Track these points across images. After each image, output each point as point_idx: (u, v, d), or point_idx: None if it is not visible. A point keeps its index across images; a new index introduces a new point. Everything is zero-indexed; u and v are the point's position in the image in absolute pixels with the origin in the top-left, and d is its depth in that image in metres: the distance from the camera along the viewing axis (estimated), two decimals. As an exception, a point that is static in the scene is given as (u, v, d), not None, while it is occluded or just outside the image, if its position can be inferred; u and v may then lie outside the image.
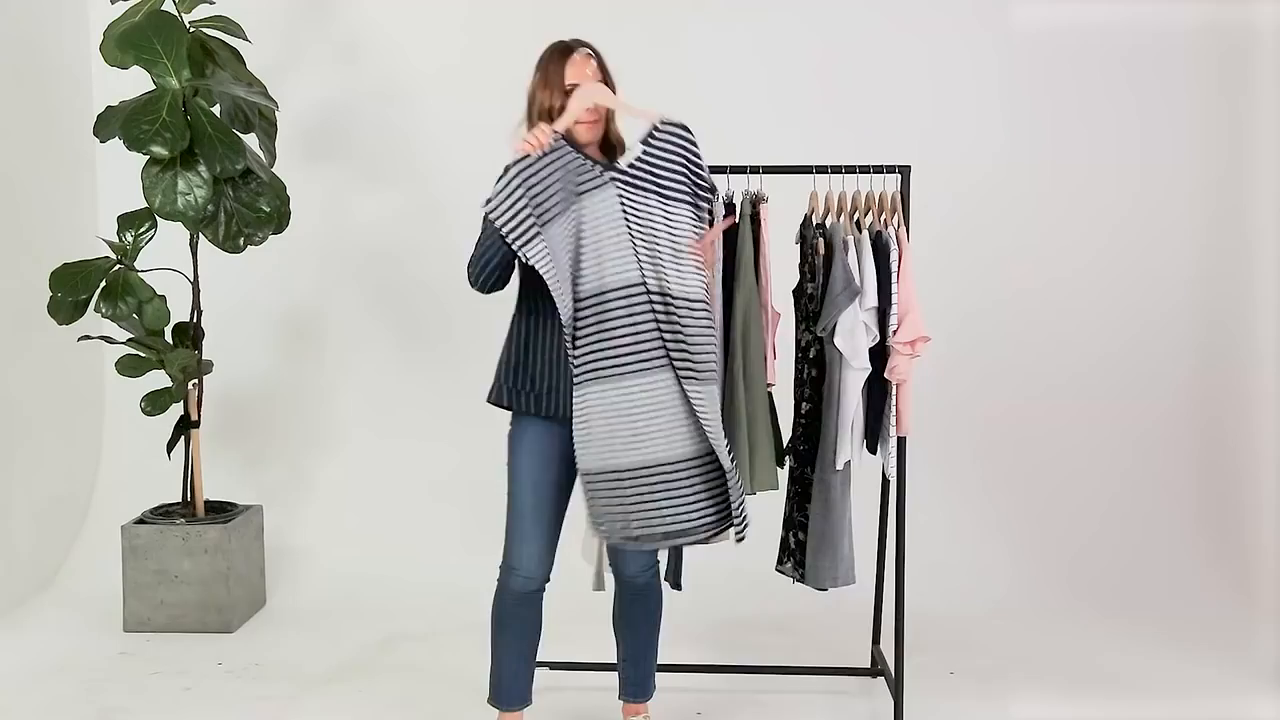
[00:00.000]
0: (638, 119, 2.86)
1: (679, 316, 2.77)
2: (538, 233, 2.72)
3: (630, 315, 2.76)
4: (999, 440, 4.79)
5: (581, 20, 4.72)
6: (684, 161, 2.83)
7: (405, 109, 4.85)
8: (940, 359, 4.14)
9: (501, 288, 2.89)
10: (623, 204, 2.79)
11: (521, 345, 2.90)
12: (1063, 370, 4.79)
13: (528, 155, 2.73)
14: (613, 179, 2.81)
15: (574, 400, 2.78)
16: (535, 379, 2.86)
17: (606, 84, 2.85)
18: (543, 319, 2.85)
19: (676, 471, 2.79)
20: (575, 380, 2.78)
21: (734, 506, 2.83)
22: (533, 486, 2.90)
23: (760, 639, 4.03)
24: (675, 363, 2.77)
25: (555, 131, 2.77)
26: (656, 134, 2.83)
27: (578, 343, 2.77)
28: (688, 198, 2.83)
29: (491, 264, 2.80)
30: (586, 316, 2.77)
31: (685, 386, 2.77)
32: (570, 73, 2.83)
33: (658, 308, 2.77)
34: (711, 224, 2.90)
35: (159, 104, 3.79)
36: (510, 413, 2.96)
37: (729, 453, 2.85)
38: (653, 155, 2.82)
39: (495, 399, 2.96)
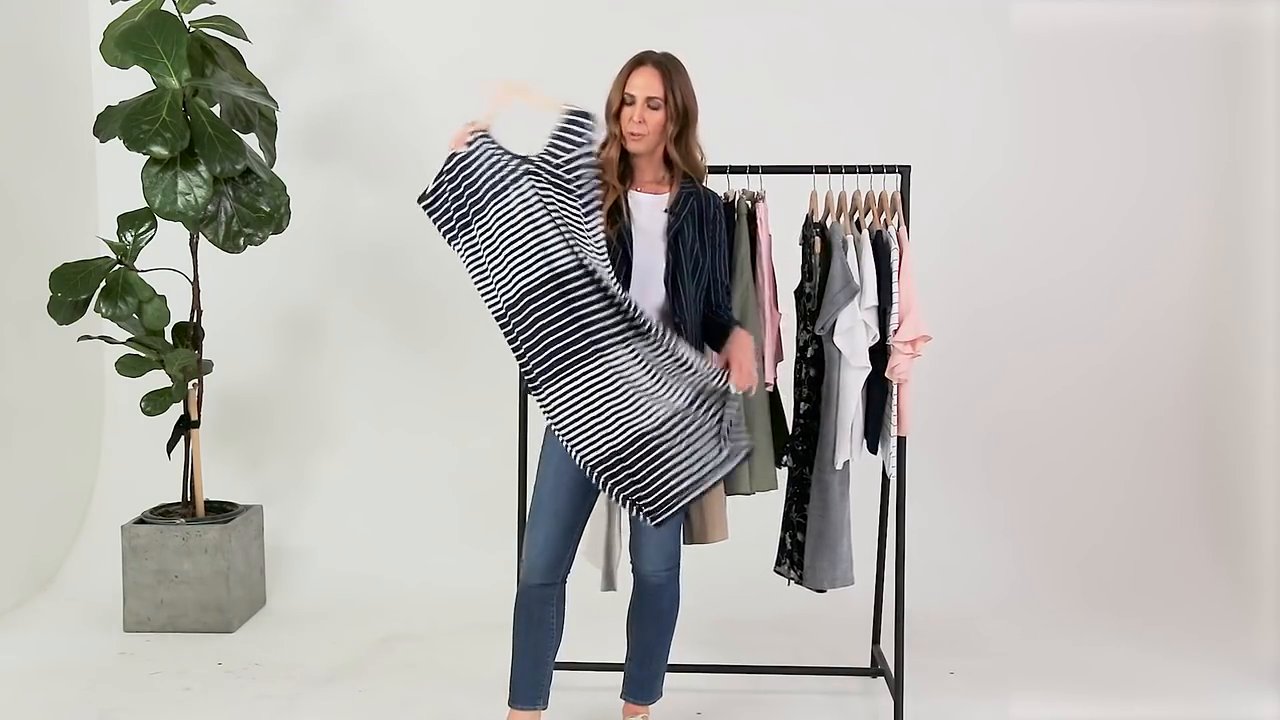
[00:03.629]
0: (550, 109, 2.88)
1: (609, 289, 2.77)
2: (460, 229, 2.83)
3: (549, 313, 2.75)
4: (999, 440, 4.79)
5: (581, 20, 4.76)
6: (576, 147, 2.80)
7: (405, 109, 4.85)
8: (941, 359, 4.14)
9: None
10: (539, 193, 2.79)
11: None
12: (1064, 371, 4.80)
13: (452, 154, 2.83)
14: (527, 170, 2.81)
15: (539, 403, 2.81)
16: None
17: (679, 96, 2.85)
18: None
19: (669, 432, 2.79)
20: (529, 382, 2.80)
21: (730, 437, 2.83)
22: (553, 481, 2.91)
23: (760, 639, 4.03)
24: (619, 333, 2.75)
25: (476, 128, 2.84)
26: (562, 122, 2.83)
27: (523, 339, 2.78)
28: (568, 185, 2.81)
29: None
30: (526, 311, 2.77)
31: (638, 348, 2.76)
32: (634, 81, 2.86)
33: (571, 293, 2.74)
34: (584, 202, 2.82)
35: (159, 104, 3.79)
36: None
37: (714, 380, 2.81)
38: (556, 144, 2.82)
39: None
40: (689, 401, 2.80)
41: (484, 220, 2.82)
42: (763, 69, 4.76)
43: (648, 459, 2.80)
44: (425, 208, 2.89)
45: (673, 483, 2.82)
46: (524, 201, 2.79)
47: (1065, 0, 4.68)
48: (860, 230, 3.28)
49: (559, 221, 2.77)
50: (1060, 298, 4.78)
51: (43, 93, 4.60)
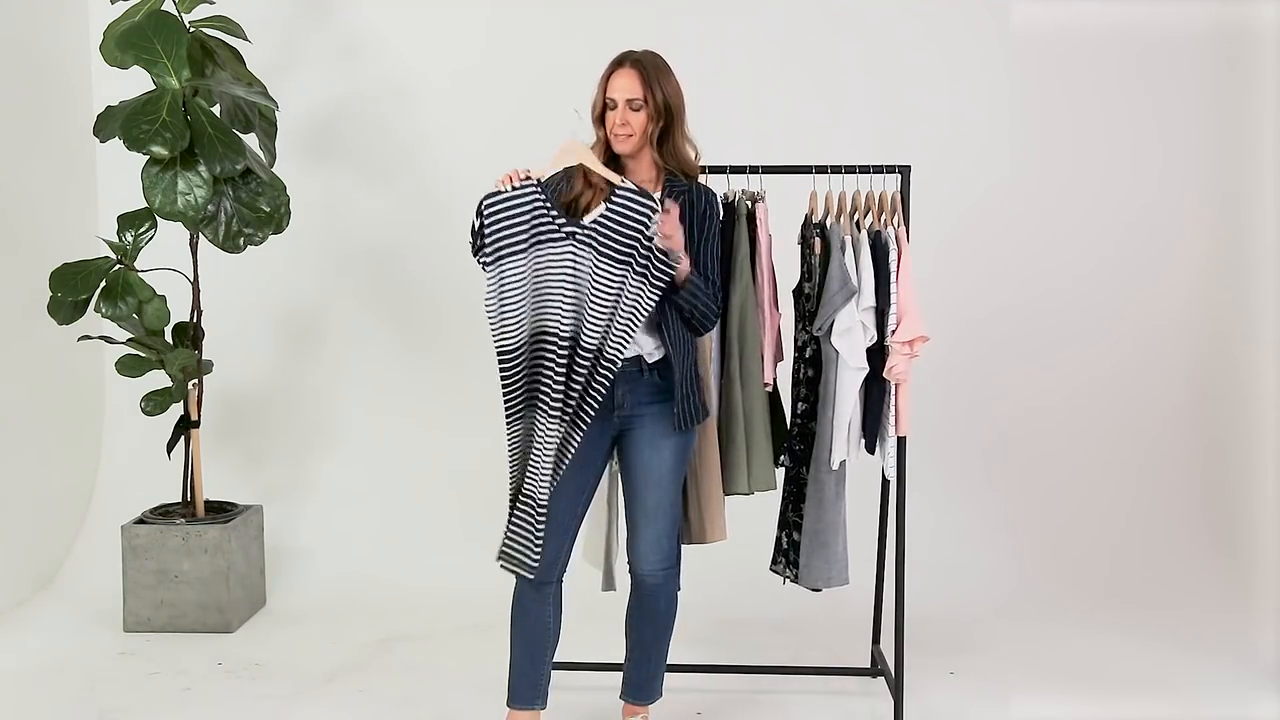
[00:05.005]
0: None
1: (580, 366, 2.82)
2: (493, 264, 2.84)
3: (546, 362, 2.84)
4: (999, 440, 4.79)
5: (580, 20, 4.76)
6: (638, 227, 2.80)
7: (405, 109, 4.85)
8: (941, 360, 4.15)
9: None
10: (574, 259, 2.83)
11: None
12: (1065, 372, 4.80)
13: (498, 190, 2.84)
14: (569, 234, 2.83)
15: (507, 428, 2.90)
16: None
17: (659, 94, 2.85)
18: None
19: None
20: (506, 414, 2.89)
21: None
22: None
23: (760, 639, 4.03)
24: (565, 408, 2.83)
25: (530, 176, 2.84)
26: (615, 196, 2.83)
27: (507, 380, 2.87)
28: (631, 261, 2.81)
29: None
30: (520, 357, 2.87)
31: (563, 428, 2.84)
32: (612, 86, 2.87)
33: (566, 355, 2.82)
34: (658, 282, 2.83)
35: (159, 104, 3.79)
36: None
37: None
38: (610, 217, 2.82)
39: None
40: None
41: (507, 264, 2.84)
42: (763, 69, 4.76)
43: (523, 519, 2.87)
44: (475, 250, 2.88)
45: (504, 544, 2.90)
46: (547, 264, 2.84)
47: (1066, 0, 4.68)
48: (859, 231, 3.28)
49: (566, 288, 2.82)
50: (1060, 298, 4.78)
51: (42, 93, 4.60)
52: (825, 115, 4.72)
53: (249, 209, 4.04)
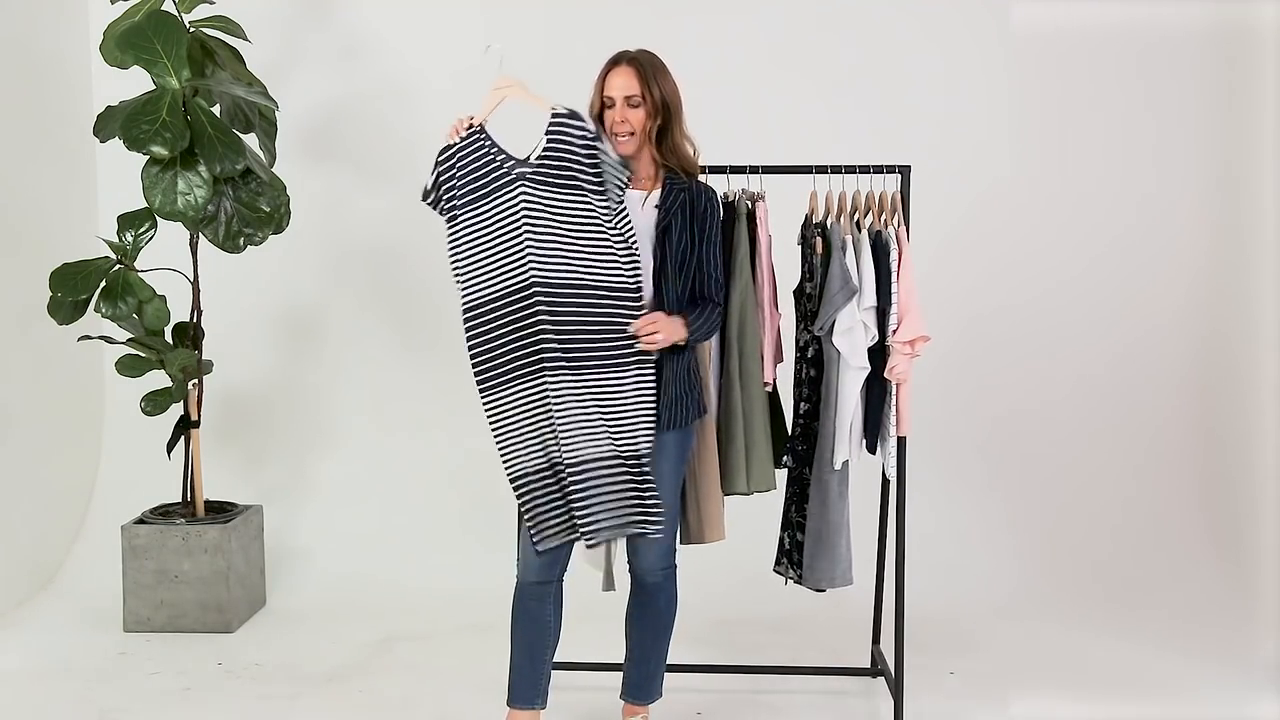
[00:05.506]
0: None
1: (580, 308, 2.80)
2: (452, 218, 2.87)
3: (517, 320, 2.81)
4: (1000, 440, 4.79)
5: (580, 20, 4.76)
6: (581, 148, 2.82)
7: (405, 109, 4.85)
8: (941, 360, 4.14)
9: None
10: (525, 202, 2.82)
11: None
12: (1065, 372, 4.80)
13: (449, 144, 2.88)
14: (519, 174, 2.84)
15: (482, 406, 2.87)
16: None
17: (657, 91, 2.86)
18: None
19: (587, 473, 2.83)
20: (477, 382, 2.86)
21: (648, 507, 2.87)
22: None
23: (760, 639, 4.03)
24: (568, 362, 2.80)
25: (473, 121, 2.88)
26: (551, 124, 2.85)
27: (479, 341, 2.84)
28: (596, 187, 2.83)
29: None
30: (495, 314, 2.83)
31: (584, 382, 2.81)
32: (609, 84, 2.88)
33: (550, 306, 2.79)
34: (618, 202, 2.85)
35: (159, 104, 3.78)
36: None
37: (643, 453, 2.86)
38: (553, 147, 2.84)
39: None
40: (604, 453, 2.84)
41: (462, 218, 2.87)
42: (763, 69, 4.76)
43: (558, 488, 2.84)
44: (431, 204, 2.93)
45: (584, 515, 2.84)
46: (502, 211, 2.83)
47: (1065, 0, 4.68)
48: (860, 230, 3.28)
49: (537, 232, 2.80)
50: (1061, 299, 4.78)
51: (42, 93, 4.60)
52: (825, 115, 4.72)
53: (249, 209, 4.04)
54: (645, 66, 2.88)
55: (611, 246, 2.82)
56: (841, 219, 3.30)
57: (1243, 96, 4.61)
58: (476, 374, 2.87)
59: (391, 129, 4.86)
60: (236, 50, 4.23)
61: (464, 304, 2.86)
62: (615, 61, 2.90)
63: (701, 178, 3.01)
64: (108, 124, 4.02)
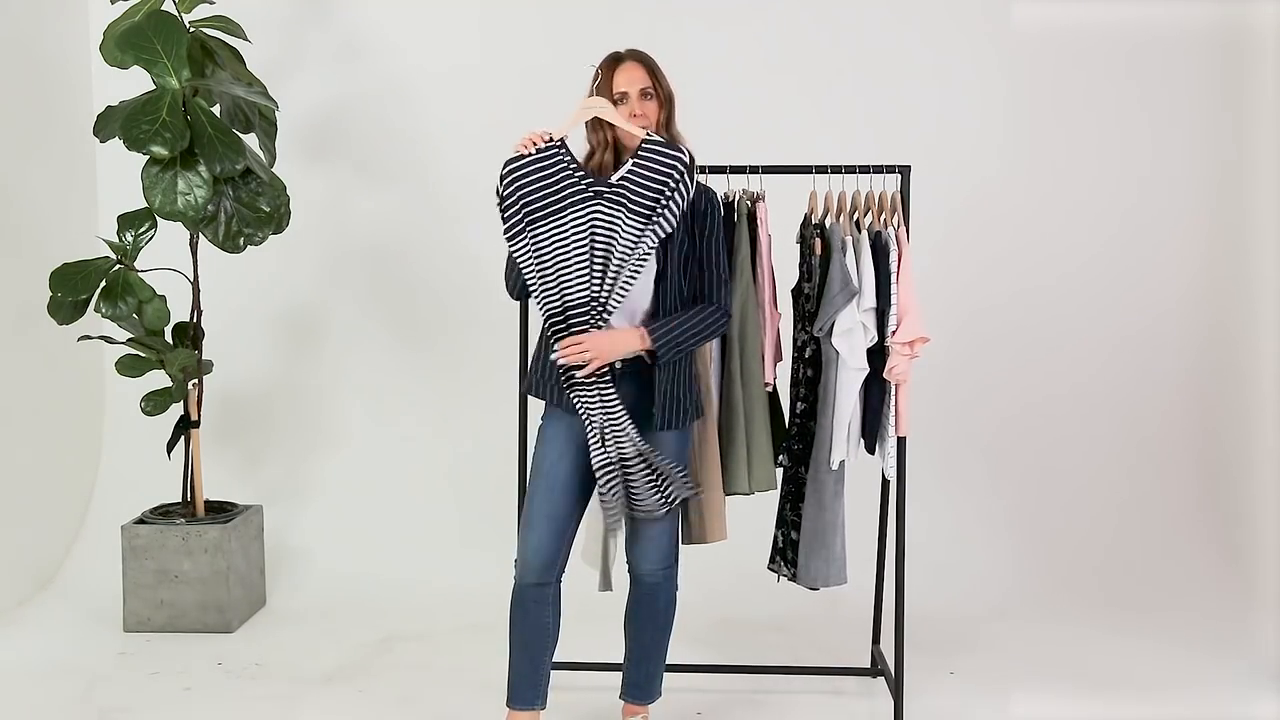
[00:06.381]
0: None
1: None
2: (522, 229, 2.84)
3: (573, 330, 2.84)
4: (999, 440, 4.79)
5: (580, 20, 4.76)
6: (665, 179, 2.82)
7: (405, 109, 4.85)
8: (941, 360, 4.15)
9: (529, 295, 2.94)
10: (595, 220, 2.83)
11: (545, 337, 2.94)
12: (1064, 371, 4.80)
13: (521, 154, 2.85)
14: (596, 192, 2.84)
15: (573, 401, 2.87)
16: (555, 371, 2.89)
17: (663, 82, 2.91)
18: None
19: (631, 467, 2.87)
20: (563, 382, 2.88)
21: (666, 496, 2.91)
22: (546, 481, 2.92)
23: (760, 639, 4.03)
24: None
25: (551, 135, 2.86)
26: (643, 149, 2.85)
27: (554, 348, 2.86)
28: (658, 217, 2.83)
29: (507, 263, 2.94)
30: (558, 328, 2.86)
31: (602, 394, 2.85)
32: (619, 80, 2.89)
33: (600, 324, 2.83)
34: (664, 240, 2.86)
35: (159, 104, 3.79)
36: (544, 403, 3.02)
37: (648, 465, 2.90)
38: (637, 171, 2.84)
39: (527, 389, 3.04)
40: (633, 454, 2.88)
41: (537, 231, 2.85)
42: (763, 69, 4.76)
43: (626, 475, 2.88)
44: (502, 210, 2.88)
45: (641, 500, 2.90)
46: (575, 225, 2.84)
47: (1065, 1, 4.68)
48: (859, 231, 3.28)
49: (600, 252, 2.82)
50: (1060, 298, 4.78)
51: (43, 93, 4.60)
52: (825, 115, 4.72)
53: (249, 209, 4.04)
54: (649, 61, 2.92)
55: (623, 271, 2.83)
56: (841, 219, 3.31)
57: (1241, 96, 4.62)
58: (564, 381, 2.88)
59: (391, 128, 4.86)
60: (236, 50, 4.23)
61: (543, 313, 2.87)
62: (618, 59, 2.91)
63: (701, 178, 3.02)
64: (108, 124, 4.02)
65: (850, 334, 3.20)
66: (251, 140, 4.20)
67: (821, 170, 3.30)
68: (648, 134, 2.85)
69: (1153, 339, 4.76)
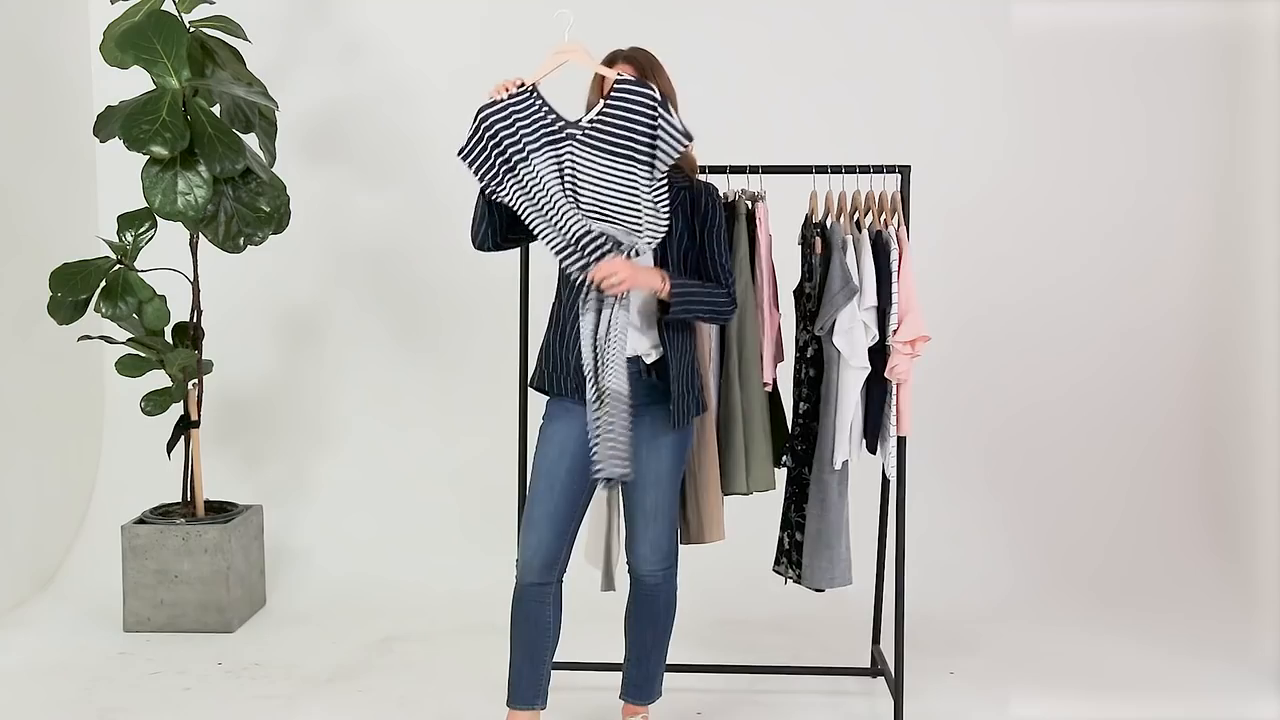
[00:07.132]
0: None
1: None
2: (506, 172, 2.84)
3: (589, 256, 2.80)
4: (1000, 440, 4.79)
5: (580, 20, 4.74)
6: (638, 115, 2.79)
7: (405, 109, 4.85)
8: (942, 359, 4.15)
9: (496, 246, 2.93)
10: (570, 163, 2.82)
11: (553, 327, 2.95)
12: (1065, 371, 4.80)
13: (494, 100, 2.86)
14: (570, 135, 2.83)
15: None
16: (564, 360, 2.89)
17: (656, 81, 2.88)
18: (568, 302, 2.90)
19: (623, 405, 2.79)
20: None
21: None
22: (546, 481, 2.91)
23: (760, 639, 4.03)
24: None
25: (524, 81, 2.87)
26: (614, 90, 2.83)
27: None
28: (644, 157, 2.80)
29: (474, 214, 2.91)
30: (574, 260, 2.82)
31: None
32: (610, 79, 2.88)
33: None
34: (667, 183, 2.83)
35: (159, 104, 3.79)
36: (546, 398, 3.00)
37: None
38: (610, 111, 2.82)
39: (534, 383, 3.03)
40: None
41: (530, 165, 2.84)
42: (763, 68, 4.76)
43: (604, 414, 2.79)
44: (465, 159, 2.88)
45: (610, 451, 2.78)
46: (549, 168, 2.83)
47: (1065, 1, 4.68)
48: (860, 230, 3.28)
49: (577, 195, 2.81)
50: (1060, 298, 4.78)
51: (43, 93, 4.60)
52: (825, 115, 4.72)
53: (249, 209, 4.04)
54: (643, 62, 2.91)
55: (642, 216, 2.80)
56: (841, 219, 3.31)
57: (1242, 96, 4.61)
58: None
59: (391, 129, 4.87)
60: (236, 50, 4.23)
61: (551, 251, 2.82)
62: (612, 60, 2.92)
63: (701, 178, 3.01)
64: (108, 124, 4.02)
65: (851, 333, 3.20)
66: (251, 140, 4.20)
67: (821, 170, 3.30)
68: (619, 75, 2.84)
69: (1153, 339, 4.76)
